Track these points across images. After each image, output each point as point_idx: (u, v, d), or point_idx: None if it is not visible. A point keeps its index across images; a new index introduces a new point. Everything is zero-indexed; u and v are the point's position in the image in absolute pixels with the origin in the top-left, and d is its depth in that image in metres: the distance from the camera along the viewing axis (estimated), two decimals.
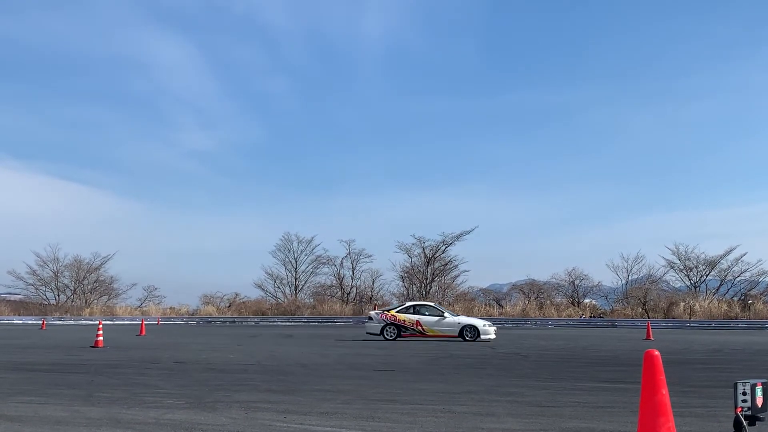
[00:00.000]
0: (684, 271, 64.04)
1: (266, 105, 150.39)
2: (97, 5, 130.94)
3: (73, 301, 72.87)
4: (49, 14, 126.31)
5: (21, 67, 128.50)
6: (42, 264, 73.62)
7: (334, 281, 72.17)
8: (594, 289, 67.15)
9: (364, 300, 68.77)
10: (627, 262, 67.16)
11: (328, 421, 7.58)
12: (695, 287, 62.76)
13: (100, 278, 75.08)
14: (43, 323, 49.51)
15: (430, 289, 68.51)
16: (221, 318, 64.57)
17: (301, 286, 73.56)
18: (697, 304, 55.78)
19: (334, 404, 8.84)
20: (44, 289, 74.54)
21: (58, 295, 74.33)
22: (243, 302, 71.65)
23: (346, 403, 8.99)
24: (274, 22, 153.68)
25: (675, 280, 65.40)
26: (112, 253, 75.43)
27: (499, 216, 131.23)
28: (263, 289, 73.34)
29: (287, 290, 73.43)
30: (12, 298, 77.38)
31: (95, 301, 73.45)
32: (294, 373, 13.25)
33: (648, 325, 32.36)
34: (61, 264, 74.30)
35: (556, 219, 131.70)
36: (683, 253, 63.67)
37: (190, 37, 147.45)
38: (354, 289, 71.28)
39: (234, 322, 61.62)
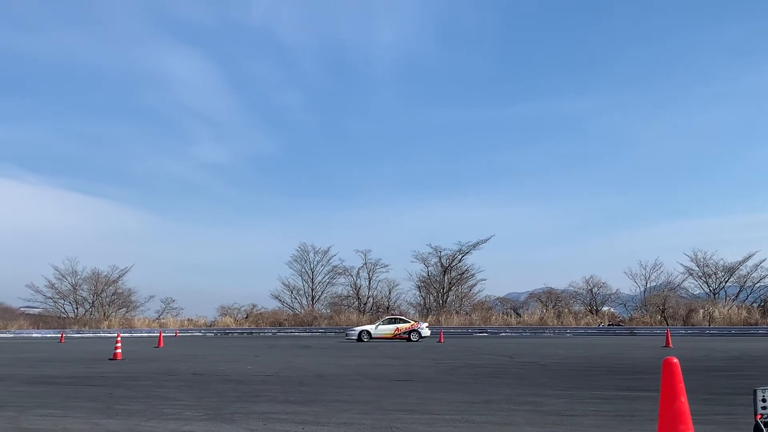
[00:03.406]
0: (703, 278, 63.61)
1: (280, 117, 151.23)
2: (113, 21, 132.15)
3: (91, 314, 73.24)
4: (65, 30, 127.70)
5: (38, 82, 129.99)
6: (60, 277, 74.06)
7: (351, 291, 72.15)
8: (612, 296, 66.69)
9: (381, 310, 68.66)
10: (645, 269, 66.85)
11: (346, 431, 7.58)
12: (714, 294, 62.28)
13: (118, 291, 75.41)
14: (61, 336, 49.81)
15: (447, 299, 68.37)
16: (239, 329, 64.66)
17: (317, 297, 73.60)
18: (716, 311, 55.32)
19: (352, 415, 8.84)
20: (63, 302, 74.95)
21: (77, 308, 74.73)
22: (260, 313, 71.72)
23: (365, 413, 8.98)
24: (288, 36, 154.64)
25: (694, 287, 65.03)
26: (129, 265, 75.86)
27: (515, 224, 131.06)
28: (280, 300, 73.44)
29: (304, 301, 73.49)
30: (31, 312, 77.79)
31: (113, 313, 73.76)
32: (312, 384, 13.25)
33: (667, 333, 32.14)
34: (79, 277, 74.73)
35: (573, 227, 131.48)
36: (701, 259, 63.32)
37: (205, 51, 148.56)
38: (371, 299, 71.18)
39: (251, 333, 61.72)
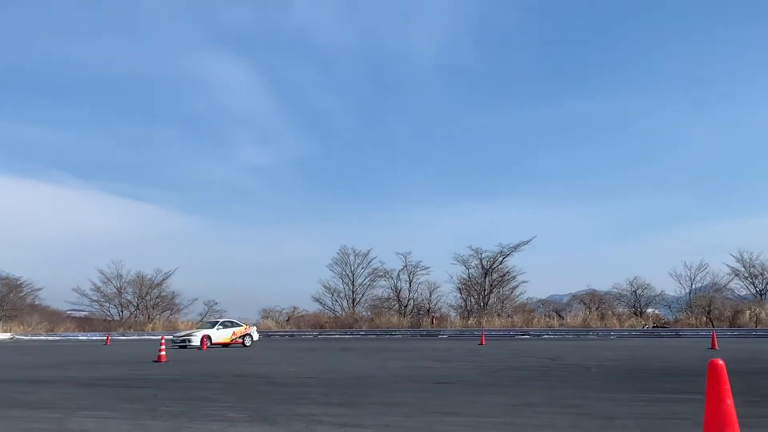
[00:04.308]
0: (749, 279, 62.52)
1: (321, 121, 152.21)
2: (157, 29, 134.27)
3: (136, 317, 74.36)
4: (111, 38, 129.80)
5: (84, 89, 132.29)
6: (106, 281, 75.43)
7: (392, 294, 72.13)
8: (657, 298, 65.86)
9: (421, 312, 68.57)
10: (690, 270, 65.85)
11: None
12: (761, 295, 61.15)
13: (162, 294, 76.53)
14: (107, 339, 50.50)
15: (488, 301, 68.00)
16: (280, 332, 65.05)
17: (358, 299, 73.72)
18: (763, 312, 54.32)
19: (394, 417, 8.82)
20: (108, 305, 76.31)
21: (122, 311, 75.93)
22: (301, 316, 72.13)
23: (406, 416, 8.96)
24: (327, 40, 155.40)
25: (740, 287, 63.91)
26: (173, 269, 76.95)
27: (557, 226, 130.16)
28: (321, 303, 73.74)
29: (345, 303, 73.69)
30: (77, 315, 79.25)
31: (157, 316, 74.79)
32: (353, 386, 13.27)
33: (713, 334, 31.68)
34: (124, 280, 76.05)
35: (616, 228, 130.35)
36: (748, 260, 62.27)
37: (247, 56, 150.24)
38: (411, 302, 71.10)
39: (293, 335, 62.06)
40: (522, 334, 54.55)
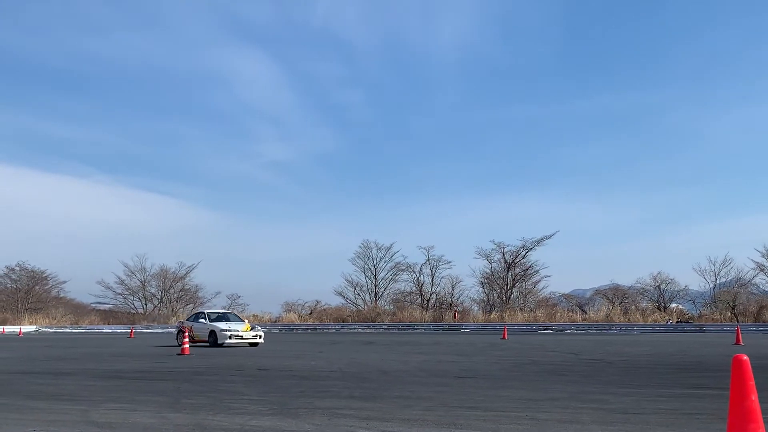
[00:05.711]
0: None
1: (343, 115, 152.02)
2: (180, 23, 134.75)
3: (159, 310, 74.97)
4: (133, 33, 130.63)
5: (107, 83, 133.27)
6: (130, 274, 76.16)
7: (414, 288, 72.21)
8: (680, 293, 65.45)
9: (444, 306, 68.54)
10: (714, 265, 65.24)
11: (409, 428, 7.56)
12: None
13: (186, 287, 77.19)
14: (131, 332, 50.89)
15: (510, 295, 67.87)
16: (303, 325, 65.31)
17: (380, 293, 73.85)
18: None
19: (416, 411, 8.82)
20: (132, 298, 77.05)
21: (146, 304, 76.62)
22: (324, 309, 72.31)
23: (428, 409, 8.96)
24: (350, 34, 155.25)
25: (765, 283, 63.21)
26: (196, 262, 77.51)
27: (580, 220, 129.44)
28: (343, 297, 73.98)
29: (367, 297, 73.84)
30: (102, 308, 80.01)
31: (181, 309, 75.30)
32: (375, 380, 13.28)
33: (737, 330, 31.37)
34: (148, 274, 76.81)
35: (639, 222, 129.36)
36: None
37: (269, 50, 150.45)
38: (434, 296, 71.14)
39: (315, 329, 62.25)
40: (544, 329, 54.43)
